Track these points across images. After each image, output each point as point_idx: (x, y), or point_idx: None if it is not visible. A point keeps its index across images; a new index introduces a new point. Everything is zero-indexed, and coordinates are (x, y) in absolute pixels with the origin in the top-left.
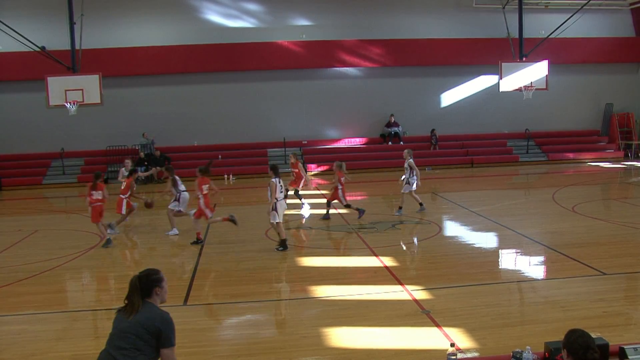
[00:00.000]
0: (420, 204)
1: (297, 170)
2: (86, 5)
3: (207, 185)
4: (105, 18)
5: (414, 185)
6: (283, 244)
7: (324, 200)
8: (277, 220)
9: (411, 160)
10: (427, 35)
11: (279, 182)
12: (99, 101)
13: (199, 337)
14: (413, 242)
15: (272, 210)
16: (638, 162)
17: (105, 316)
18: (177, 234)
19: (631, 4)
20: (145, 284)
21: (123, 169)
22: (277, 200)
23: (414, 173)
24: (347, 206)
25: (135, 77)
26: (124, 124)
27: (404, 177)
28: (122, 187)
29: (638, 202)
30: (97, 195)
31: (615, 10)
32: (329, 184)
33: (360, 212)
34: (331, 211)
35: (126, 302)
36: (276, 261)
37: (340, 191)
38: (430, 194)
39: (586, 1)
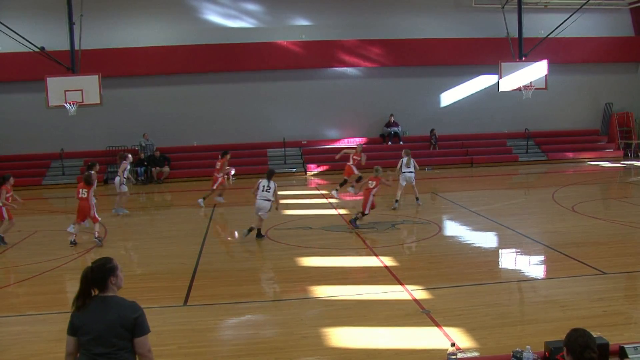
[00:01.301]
0: (396, 201)
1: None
2: (86, 5)
3: (10, 194)
4: (105, 18)
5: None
6: (250, 230)
7: (324, 201)
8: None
9: (406, 158)
10: (427, 35)
11: (263, 183)
12: (98, 101)
13: (199, 338)
14: (413, 241)
15: None
16: (637, 161)
17: None
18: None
19: (630, 4)
20: (100, 275)
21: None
22: (257, 199)
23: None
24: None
25: (135, 77)
26: (123, 124)
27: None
28: (217, 167)
29: (638, 202)
30: None
31: (615, 10)
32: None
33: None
34: (331, 212)
35: (79, 298)
36: (276, 261)
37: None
38: (430, 194)
39: (586, 1)
